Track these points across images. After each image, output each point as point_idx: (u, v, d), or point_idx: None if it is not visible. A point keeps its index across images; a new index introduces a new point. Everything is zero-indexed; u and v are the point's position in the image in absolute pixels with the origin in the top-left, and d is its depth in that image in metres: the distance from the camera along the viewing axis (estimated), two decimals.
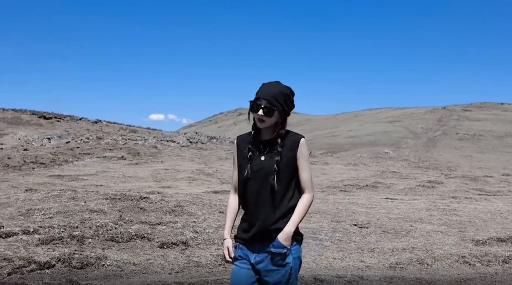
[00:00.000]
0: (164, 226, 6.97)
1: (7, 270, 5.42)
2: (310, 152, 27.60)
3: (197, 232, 6.84)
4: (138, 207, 7.73)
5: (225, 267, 5.88)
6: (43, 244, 6.17)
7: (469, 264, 6.52)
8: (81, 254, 5.88)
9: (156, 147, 26.69)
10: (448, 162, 31.26)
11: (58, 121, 51.53)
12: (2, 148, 23.65)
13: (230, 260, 3.26)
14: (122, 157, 23.11)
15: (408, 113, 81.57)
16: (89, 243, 6.29)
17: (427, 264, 6.42)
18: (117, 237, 6.49)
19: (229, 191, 3.46)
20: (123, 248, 6.26)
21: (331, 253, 6.60)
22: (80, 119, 54.52)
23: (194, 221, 7.33)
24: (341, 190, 14.04)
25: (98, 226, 6.76)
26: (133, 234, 6.58)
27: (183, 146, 28.48)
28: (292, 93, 3.35)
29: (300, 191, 3.27)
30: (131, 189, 11.38)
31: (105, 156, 23.01)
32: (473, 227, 8.62)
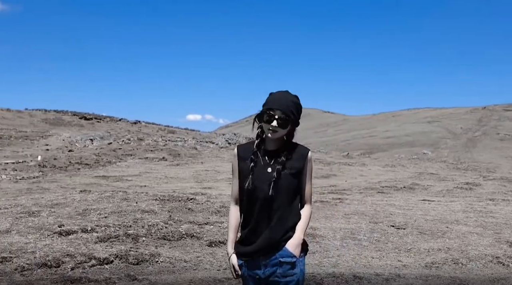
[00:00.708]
0: (212, 226, 7.41)
1: (70, 265, 5.93)
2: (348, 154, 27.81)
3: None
4: (186, 208, 8.18)
5: None
6: (101, 241, 6.68)
7: (503, 265, 6.78)
8: (136, 251, 6.37)
9: (196, 148, 27.23)
10: (488, 163, 31.11)
11: (98, 122, 52.69)
12: (48, 150, 24.48)
13: (237, 276, 3.16)
14: (163, 158, 23.68)
15: (447, 113, 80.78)
16: (143, 241, 6.78)
17: (462, 263, 6.70)
18: (168, 235, 6.96)
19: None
20: (174, 246, 6.72)
21: (370, 252, 6.94)
22: (120, 120, 55.63)
23: None
24: (378, 192, 14.28)
25: (150, 225, 7.24)
26: (183, 233, 7.04)
27: (222, 147, 28.97)
28: (299, 101, 3.28)
29: (301, 204, 3.21)
30: (174, 190, 11.85)
31: (147, 157, 23.61)
32: (508, 229, 8.83)
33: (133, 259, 6.15)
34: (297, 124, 3.24)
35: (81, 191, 10.10)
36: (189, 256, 6.42)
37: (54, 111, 62.15)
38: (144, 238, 6.85)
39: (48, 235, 6.90)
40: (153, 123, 58.57)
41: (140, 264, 6.10)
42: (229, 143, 30.51)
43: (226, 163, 23.43)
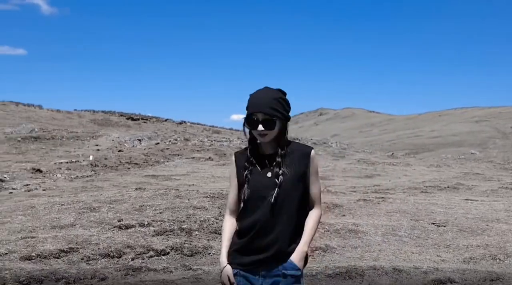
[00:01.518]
0: None
1: (130, 256, 6.49)
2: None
3: None
4: None
5: (313, 258, 6.71)
6: (158, 235, 7.23)
7: None
8: (190, 243, 6.90)
9: (241, 148, 27.74)
10: None
11: (144, 122, 53.82)
12: (98, 150, 25.33)
13: None
14: (209, 158, 24.25)
15: (496, 112, 79.52)
16: (196, 235, 7.30)
17: (499, 259, 6.99)
18: (219, 230, 7.45)
19: None
20: None
21: (410, 248, 7.29)
22: (166, 120, 56.71)
23: None
24: (422, 191, 14.49)
25: (202, 220, 7.75)
26: None
27: None
28: (284, 94, 3.06)
29: (308, 207, 3.05)
30: (222, 188, 12.35)
31: (193, 157, 24.21)
32: None
33: (187, 251, 6.67)
34: (287, 119, 3.04)
35: (136, 188, 10.72)
36: None
37: (102, 112, 63.76)
38: (197, 232, 7.37)
39: (109, 229, 7.49)
40: (198, 123, 59.49)
41: (194, 255, 6.62)
42: None
43: None
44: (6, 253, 6.43)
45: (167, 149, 26.44)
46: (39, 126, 34.74)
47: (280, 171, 2.94)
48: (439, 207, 10.62)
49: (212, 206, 8.55)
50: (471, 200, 12.47)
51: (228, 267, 2.97)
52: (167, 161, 23.13)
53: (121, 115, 60.69)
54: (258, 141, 3.00)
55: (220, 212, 8.23)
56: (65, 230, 7.55)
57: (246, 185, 2.96)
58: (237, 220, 3.06)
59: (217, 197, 9.11)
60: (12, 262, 6.19)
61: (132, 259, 6.41)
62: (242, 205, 3.01)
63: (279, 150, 2.98)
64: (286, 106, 3.03)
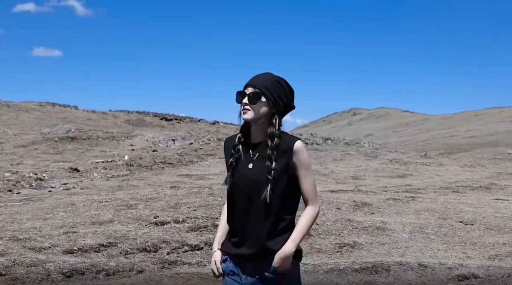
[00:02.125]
0: None
1: (166, 250, 6.83)
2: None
3: (317, 224, 7.93)
4: None
5: (342, 253, 6.95)
6: (192, 231, 7.56)
7: None
8: None
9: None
10: None
11: (178, 122, 54.49)
12: (133, 149, 25.86)
13: (218, 274, 2.96)
14: None
15: None
16: None
17: None
18: None
19: None
20: None
21: (436, 245, 7.47)
22: (199, 120, 57.36)
23: None
24: (453, 191, 14.55)
25: None
26: None
27: None
28: (288, 86, 2.90)
29: (305, 204, 2.92)
30: None
31: None
32: None
33: None
34: (280, 105, 2.86)
35: (171, 187, 11.13)
36: None
37: (136, 112, 64.77)
38: None
39: (145, 225, 7.84)
40: (231, 124, 59.93)
41: None
42: (306, 143, 31.09)
43: None
44: (50, 247, 6.82)
45: (200, 149, 26.82)
46: (75, 126, 35.52)
47: (262, 163, 2.80)
48: (468, 206, 10.73)
49: None
50: (502, 199, 12.50)
51: (217, 253, 2.94)
52: (201, 161, 23.51)
53: (155, 116, 61.59)
54: (243, 118, 2.85)
55: None
56: (104, 226, 7.92)
57: (229, 175, 2.88)
58: (227, 210, 3.00)
59: None
60: (55, 255, 6.57)
61: (168, 254, 6.74)
62: (228, 196, 2.94)
63: (269, 141, 2.80)
64: (282, 91, 2.87)
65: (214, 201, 9.12)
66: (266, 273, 2.82)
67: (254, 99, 2.81)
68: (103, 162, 21.60)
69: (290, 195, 2.86)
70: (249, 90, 2.82)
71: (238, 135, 2.93)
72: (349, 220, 8.23)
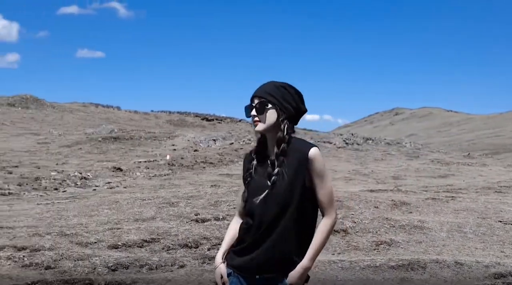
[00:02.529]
0: None
1: (207, 246, 7.04)
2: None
3: (355, 222, 8.04)
4: None
5: (378, 251, 7.03)
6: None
7: None
8: None
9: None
10: None
11: (219, 122, 54.97)
12: (175, 149, 26.24)
13: None
14: None
15: None
16: None
17: None
18: None
19: None
20: None
21: (473, 243, 7.49)
22: (240, 120, 57.69)
23: (352, 214, 8.53)
24: (495, 191, 14.42)
25: None
26: None
27: (339, 147, 29.60)
28: (294, 89, 2.83)
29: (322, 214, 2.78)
30: None
31: None
32: None
33: None
34: (288, 110, 2.79)
35: (211, 186, 11.37)
36: None
37: (178, 112, 65.54)
38: None
39: (186, 222, 8.08)
40: None
41: None
42: (346, 143, 31.06)
43: (343, 162, 24.10)
44: (95, 242, 7.10)
45: (241, 148, 27.05)
46: (118, 126, 36.21)
47: (274, 171, 2.71)
48: (509, 206, 10.66)
49: None
50: None
51: (221, 266, 2.85)
52: (241, 161, 23.64)
53: (196, 116, 62.23)
54: (255, 131, 2.80)
55: None
56: (147, 222, 8.18)
57: (245, 187, 2.84)
58: (242, 222, 2.90)
59: None
60: (101, 250, 6.84)
61: (208, 249, 6.94)
62: (244, 207, 2.86)
63: (275, 148, 2.74)
64: (289, 96, 2.80)
65: None
66: None
67: (261, 109, 2.75)
68: (145, 161, 22.01)
69: (307, 204, 2.72)
70: (255, 101, 2.77)
71: (254, 149, 2.88)
72: (387, 218, 8.30)
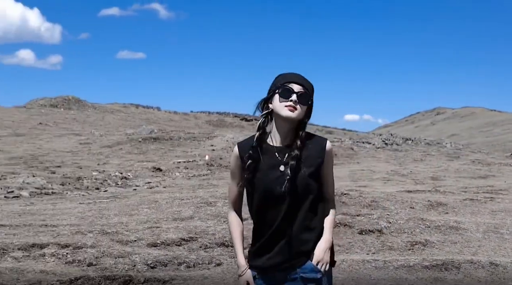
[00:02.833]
0: (362, 217, 8.33)
1: (244, 245, 7.18)
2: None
3: (390, 223, 8.10)
4: (340, 202, 9.16)
5: (413, 251, 7.08)
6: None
7: None
8: None
9: (352, 149, 27.95)
10: None
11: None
12: (214, 150, 26.48)
13: None
14: None
15: None
16: None
17: None
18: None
19: None
20: None
21: (510, 244, 7.45)
22: None
23: (387, 214, 8.58)
24: None
25: None
26: (338, 222, 8.02)
27: (378, 148, 29.44)
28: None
29: (323, 205, 2.81)
30: None
31: None
32: None
33: None
34: (311, 109, 2.82)
35: None
36: (342, 241, 7.41)
37: (217, 113, 66.13)
38: None
39: (224, 221, 8.24)
40: (311, 124, 60.14)
41: None
42: (385, 144, 30.86)
43: (382, 163, 23.98)
44: (135, 240, 7.32)
45: None
46: (158, 127, 36.71)
47: (296, 164, 2.69)
48: None
49: None
50: None
51: (248, 272, 2.83)
52: None
53: (235, 116, 62.66)
54: (285, 116, 2.71)
55: None
56: (185, 221, 8.38)
57: (255, 180, 2.73)
58: (252, 218, 2.90)
59: None
60: (141, 248, 7.05)
61: (245, 248, 7.07)
62: (254, 202, 2.79)
63: (298, 141, 2.72)
64: (313, 94, 2.83)
65: None
66: (303, 275, 2.72)
67: (304, 99, 2.73)
68: (184, 162, 22.30)
69: (318, 197, 2.77)
70: (299, 88, 2.72)
71: (257, 135, 2.78)
72: (422, 219, 8.32)
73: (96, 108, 56.87)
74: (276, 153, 2.74)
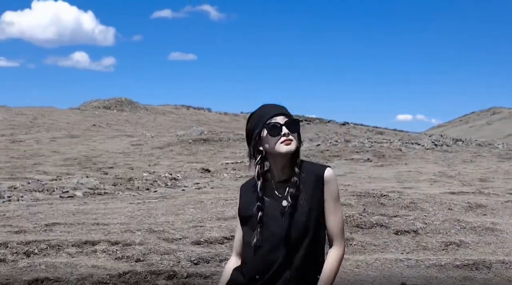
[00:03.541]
0: (399, 218, 8.54)
1: None
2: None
3: (426, 223, 8.29)
4: (379, 203, 9.40)
5: (447, 251, 7.27)
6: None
7: None
8: None
9: (401, 150, 27.89)
10: None
11: (308, 124, 55.25)
12: None
13: None
14: (368, 159, 24.80)
15: None
16: None
17: None
18: (362, 224, 8.25)
19: None
20: (366, 233, 7.99)
21: None
22: (329, 121, 57.80)
23: (425, 215, 8.77)
24: None
25: (347, 216, 8.56)
26: (374, 223, 8.28)
27: (427, 149, 29.27)
28: None
29: (329, 243, 2.63)
30: (374, 188, 13.02)
31: (352, 158, 24.91)
32: None
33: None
34: (300, 135, 2.68)
35: None
36: (378, 241, 7.66)
37: None
38: None
39: None
40: (361, 124, 59.80)
41: None
42: (435, 145, 30.66)
43: (430, 164, 23.89)
44: (180, 238, 7.74)
45: (327, 150, 27.34)
46: (208, 128, 37.35)
47: (293, 200, 2.56)
48: None
49: (357, 203, 9.33)
50: None
51: None
52: (326, 162, 24.02)
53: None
54: (285, 152, 2.58)
55: (365, 209, 8.98)
56: (228, 221, 8.76)
57: (258, 225, 2.56)
58: (244, 261, 2.70)
59: (363, 196, 9.87)
60: (185, 245, 7.47)
61: None
62: (253, 244, 2.59)
63: (294, 178, 2.57)
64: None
65: None
66: None
67: (294, 127, 2.60)
68: (232, 163, 22.74)
69: (319, 232, 2.60)
70: (282, 118, 2.59)
71: (259, 184, 2.62)
72: (458, 220, 8.47)
73: (148, 109, 58.04)
74: (276, 191, 2.62)
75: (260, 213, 2.56)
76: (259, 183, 2.60)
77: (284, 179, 2.62)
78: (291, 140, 2.57)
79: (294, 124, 2.60)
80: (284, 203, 2.57)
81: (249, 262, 2.64)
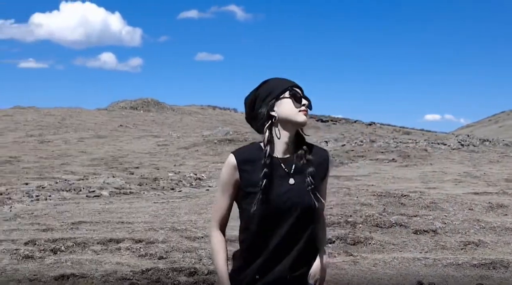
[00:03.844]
0: (419, 218, 8.61)
1: None
2: None
3: (445, 223, 8.35)
4: (399, 203, 9.46)
5: (466, 251, 7.33)
6: (327, 226, 8.31)
7: None
8: (353, 234, 7.87)
9: (426, 150, 27.73)
10: None
11: (334, 124, 55.03)
12: None
13: None
14: (393, 159, 24.71)
15: None
16: (359, 227, 8.25)
17: None
18: (381, 224, 8.33)
19: None
20: (385, 232, 8.08)
21: None
22: (355, 121, 57.49)
23: (445, 215, 8.82)
24: None
25: (367, 215, 8.66)
26: (393, 222, 8.36)
27: (453, 149, 29.06)
28: None
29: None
30: (397, 188, 13.06)
31: (377, 159, 24.84)
32: None
33: (350, 240, 7.67)
34: None
35: None
36: (396, 240, 7.75)
37: None
38: (360, 225, 8.32)
39: None
40: (388, 124, 59.40)
41: (356, 244, 7.59)
42: (461, 145, 30.43)
43: (455, 164, 23.73)
44: (202, 237, 7.92)
45: (352, 150, 27.30)
46: (233, 128, 37.48)
47: (312, 177, 2.44)
48: None
49: (377, 203, 9.42)
50: None
51: None
52: (351, 162, 24.03)
53: (311, 117, 62.62)
54: (302, 123, 2.49)
55: (385, 208, 9.07)
56: None
57: (261, 197, 2.39)
58: (243, 241, 2.67)
59: (384, 196, 9.95)
60: (207, 243, 7.62)
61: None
62: (253, 221, 2.48)
63: (303, 151, 2.49)
64: None
65: (349, 200, 9.78)
66: None
67: (311, 105, 2.53)
68: None
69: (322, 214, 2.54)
70: (298, 91, 2.52)
71: (267, 150, 2.46)
72: (478, 220, 8.51)
73: (174, 110, 58.41)
74: (282, 165, 2.47)
75: (265, 181, 2.40)
76: (267, 148, 2.44)
77: (289, 155, 2.50)
78: (307, 113, 2.48)
79: (310, 102, 2.53)
80: (291, 181, 2.45)
81: (251, 236, 2.57)
